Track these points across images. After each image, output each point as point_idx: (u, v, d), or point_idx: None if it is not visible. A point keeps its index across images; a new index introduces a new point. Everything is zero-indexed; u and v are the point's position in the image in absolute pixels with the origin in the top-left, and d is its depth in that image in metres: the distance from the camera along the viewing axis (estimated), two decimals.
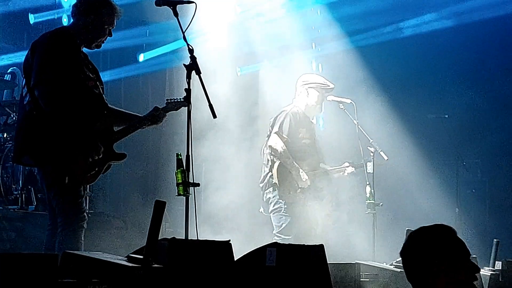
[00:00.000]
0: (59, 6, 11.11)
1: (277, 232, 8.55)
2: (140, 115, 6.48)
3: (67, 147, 5.74)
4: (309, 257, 5.51)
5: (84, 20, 5.97)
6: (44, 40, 5.92)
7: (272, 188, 8.58)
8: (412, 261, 3.90)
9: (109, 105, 6.32)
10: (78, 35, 5.97)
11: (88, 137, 5.83)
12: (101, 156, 5.92)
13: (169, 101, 6.40)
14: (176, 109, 6.42)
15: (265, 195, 8.65)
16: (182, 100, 6.25)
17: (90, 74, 6.03)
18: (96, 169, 5.92)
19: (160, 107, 6.45)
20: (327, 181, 8.78)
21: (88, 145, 5.83)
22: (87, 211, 9.68)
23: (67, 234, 5.90)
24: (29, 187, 9.06)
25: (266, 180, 8.64)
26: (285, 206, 8.55)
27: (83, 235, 6.04)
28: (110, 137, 6.06)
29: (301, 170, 8.52)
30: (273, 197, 8.58)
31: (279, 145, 8.52)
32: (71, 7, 6.16)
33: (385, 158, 8.81)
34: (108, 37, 6.14)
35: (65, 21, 11.08)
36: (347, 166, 8.82)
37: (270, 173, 8.61)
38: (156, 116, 6.36)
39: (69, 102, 5.76)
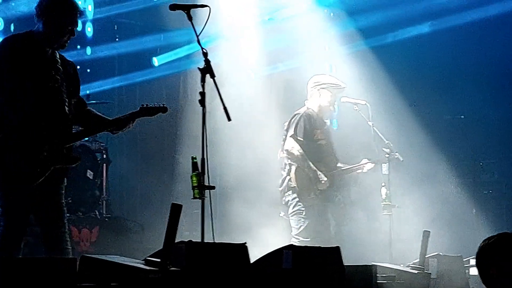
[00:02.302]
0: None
1: (295, 235, 8.57)
2: (109, 119, 6.40)
3: (4, 148, 5.72)
4: (326, 259, 5.52)
5: (42, 22, 5.92)
6: None
7: (291, 191, 8.59)
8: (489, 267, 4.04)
9: (88, 108, 6.31)
10: (40, 37, 5.92)
11: (27, 136, 5.75)
12: (44, 155, 5.83)
13: (143, 106, 6.28)
14: (151, 115, 6.32)
15: (284, 198, 8.66)
16: (158, 105, 6.27)
17: (56, 76, 5.99)
18: (38, 170, 5.80)
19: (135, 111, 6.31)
20: (344, 182, 8.78)
21: (28, 145, 5.75)
22: (104, 215, 9.82)
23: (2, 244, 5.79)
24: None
25: (285, 184, 8.65)
26: (304, 208, 8.55)
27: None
28: (61, 139, 5.91)
29: (319, 172, 8.53)
30: (292, 199, 8.59)
31: (295, 148, 8.52)
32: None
33: (401, 159, 8.80)
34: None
35: (89, 31, 11.16)
36: (366, 163, 8.78)
37: (288, 177, 8.61)
38: (121, 120, 6.20)
39: (6, 104, 5.73)
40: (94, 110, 6.44)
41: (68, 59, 6.25)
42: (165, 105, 6.35)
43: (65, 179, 6.13)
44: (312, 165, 8.51)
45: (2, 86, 5.76)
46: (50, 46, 5.97)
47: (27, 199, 5.83)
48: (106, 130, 6.42)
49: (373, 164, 8.73)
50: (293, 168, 8.56)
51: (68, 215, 9.22)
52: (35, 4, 5.99)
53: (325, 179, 8.51)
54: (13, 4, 11.04)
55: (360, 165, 8.80)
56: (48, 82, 5.90)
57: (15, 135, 5.72)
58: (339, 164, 8.81)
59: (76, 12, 5.99)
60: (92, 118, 6.31)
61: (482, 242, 4.17)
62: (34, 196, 5.85)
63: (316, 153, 8.62)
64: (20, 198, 5.80)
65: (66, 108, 5.98)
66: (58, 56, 6.06)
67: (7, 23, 10.85)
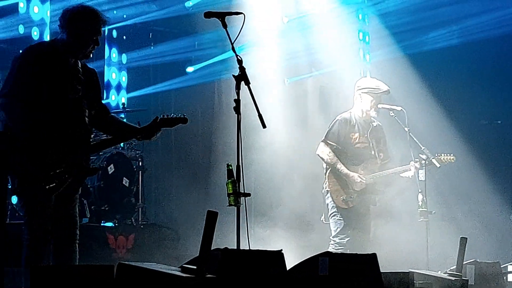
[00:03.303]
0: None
1: (332, 237, 8.64)
2: (136, 127, 6.40)
3: (25, 158, 5.74)
4: (362, 266, 5.48)
5: (67, 32, 5.93)
6: (19, 54, 6.00)
7: (329, 194, 8.66)
8: None
9: (111, 114, 6.34)
10: (64, 47, 5.95)
11: (47, 148, 5.76)
12: (62, 169, 5.85)
13: (163, 117, 6.22)
14: (171, 126, 6.26)
15: (325, 201, 8.75)
16: (179, 116, 6.20)
17: (78, 86, 6.00)
18: (57, 181, 5.80)
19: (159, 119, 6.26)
20: (385, 185, 8.76)
21: (46, 157, 5.76)
22: (140, 222, 9.86)
23: (31, 249, 5.80)
24: (82, 199, 9.18)
25: (324, 187, 8.73)
26: (339, 211, 8.58)
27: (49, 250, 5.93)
28: (80, 151, 5.94)
29: (352, 174, 8.54)
30: (329, 202, 8.67)
31: (325, 153, 8.58)
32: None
33: (437, 165, 8.75)
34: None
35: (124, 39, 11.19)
36: (412, 165, 8.73)
37: (325, 180, 8.68)
38: (152, 129, 6.19)
39: (27, 114, 5.74)
40: (117, 117, 6.46)
41: (90, 67, 6.28)
42: (185, 116, 6.24)
43: (80, 188, 6.14)
44: (343, 168, 8.54)
45: (25, 95, 5.76)
46: (74, 56, 5.99)
47: (48, 206, 5.83)
48: (134, 138, 6.44)
49: (418, 166, 8.67)
50: (328, 171, 8.66)
51: (104, 222, 9.40)
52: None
53: (359, 180, 8.51)
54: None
55: (406, 166, 8.75)
56: (69, 93, 5.92)
57: (35, 147, 5.73)
58: (390, 164, 8.78)
59: (100, 22, 6.00)
60: (116, 126, 6.32)
61: None
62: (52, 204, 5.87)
63: (354, 156, 8.64)
64: (42, 205, 5.80)
65: (86, 119, 6.00)
66: (80, 65, 6.07)
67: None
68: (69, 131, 5.85)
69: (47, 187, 5.74)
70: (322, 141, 8.65)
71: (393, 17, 11.69)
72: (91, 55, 6.08)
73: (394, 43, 11.62)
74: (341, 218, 8.57)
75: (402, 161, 8.91)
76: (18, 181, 5.82)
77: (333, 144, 8.59)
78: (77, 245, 6.01)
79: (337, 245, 8.49)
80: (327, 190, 8.64)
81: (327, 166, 8.65)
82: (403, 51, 11.57)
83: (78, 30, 5.91)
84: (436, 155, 8.78)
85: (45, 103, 5.79)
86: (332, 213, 8.63)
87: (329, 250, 8.39)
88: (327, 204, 8.69)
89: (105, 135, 6.95)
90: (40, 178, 5.72)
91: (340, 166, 8.55)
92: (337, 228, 8.58)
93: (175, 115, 6.24)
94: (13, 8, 10.60)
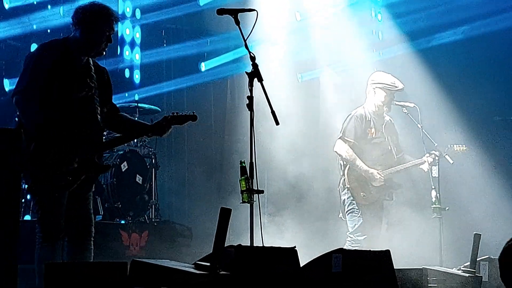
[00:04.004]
0: None
1: (349, 233, 8.65)
2: (147, 124, 6.45)
3: (37, 156, 5.75)
4: (376, 262, 5.48)
5: (80, 30, 5.96)
6: (31, 52, 6.03)
7: (346, 190, 8.67)
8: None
9: (120, 113, 6.38)
10: (76, 45, 5.98)
11: (59, 146, 5.80)
12: (75, 166, 5.88)
13: (173, 114, 6.27)
14: (181, 123, 6.29)
15: (341, 197, 8.74)
16: (188, 114, 6.24)
17: (90, 84, 6.01)
18: (70, 178, 5.85)
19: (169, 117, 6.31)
20: (399, 181, 8.78)
21: (58, 155, 5.80)
22: (153, 220, 9.88)
23: (43, 247, 5.84)
24: (96, 197, 9.20)
25: (341, 183, 8.74)
26: (357, 207, 8.58)
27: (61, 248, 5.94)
28: (92, 149, 5.98)
29: (371, 170, 8.55)
30: (347, 198, 8.66)
31: (343, 149, 8.58)
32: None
33: (451, 161, 8.75)
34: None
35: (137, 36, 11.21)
36: (426, 158, 8.72)
37: (343, 177, 8.68)
38: (162, 126, 6.23)
39: (40, 111, 5.77)
40: (126, 115, 6.49)
41: (102, 65, 6.32)
42: (195, 113, 6.28)
43: (93, 185, 6.17)
44: (363, 164, 8.54)
45: (38, 93, 5.80)
46: (87, 54, 6.03)
47: (60, 204, 5.87)
48: (144, 136, 6.46)
49: (432, 159, 8.66)
50: (347, 167, 8.65)
51: (117, 219, 9.42)
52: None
53: (378, 176, 8.54)
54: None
55: (421, 160, 8.74)
56: (81, 91, 5.95)
57: (47, 144, 5.76)
58: (407, 157, 8.77)
59: (112, 19, 6.03)
60: (125, 124, 6.36)
61: (506, 243, 4.10)
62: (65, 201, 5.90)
63: (372, 151, 8.64)
64: (54, 203, 5.84)
65: (99, 116, 6.03)
66: (92, 63, 6.11)
67: None
68: (80, 129, 5.88)
69: (58, 184, 5.77)
70: (339, 138, 8.65)
71: (405, 12, 11.64)
72: (104, 52, 6.10)
73: (406, 39, 11.58)
74: (360, 215, 8.58)
75: (415, 157, 8.89)
76: (31, 179, 5.85)
77: (351, 140, 8.59)
78: (92, 242, 6.04)
79: (353, 242, 8.51)
80: (347, 187, 8.63)
81: (345, 163, 8.64)
82: (415, 47, 11.53)
83: (90, 28, 5.94)
84: (449, 146, 8.79)
85: (56, 100, 5.82)
86: (350, 210, 8.63)
87: (345, 246, 8.40)
88: (343, 200, 8.69)
89: (116, 134, 6.98)
90: (51, 176, 5.74)
91: (359, 162, 8.55)
92: (355, 225, 8.58)
93: (185, 113, 6.26)
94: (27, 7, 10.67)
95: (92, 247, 6.03)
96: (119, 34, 11.45)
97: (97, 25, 5.95)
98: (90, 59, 6.11)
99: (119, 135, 6.55)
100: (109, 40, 6.02)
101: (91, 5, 6.03)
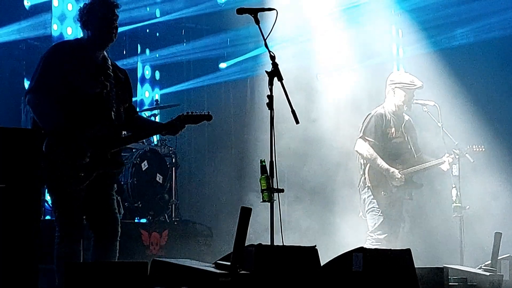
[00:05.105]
0: None
1: (369, 232, 8.64)
2: (161, 123, 6.49)
3: (48, 152, 5.78)
4: (397, 261, 5.47)
5: (88, 27, 6.02)
6: (45, 52, 6.09)
7: (367, 188, 8.66)
8: None
9: (137, 115, 6.44)
10: (89, 42, 6.02)
11: (72, 142, 5.81)
12: (87, 161, 5.90)
13: (188, 114, 6.23)
14: (195, 123, 6.25)
15: (361, 196, 8.74)
16: (203, 113, 6.21)
17: (105, 82, 6.05)
18: (82, 174, 5.87)
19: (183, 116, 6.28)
20: (419, 180, 8.76)
21: (72, 150, 5.82)
22: (173, 219, 9.91)
23: (62, 246, 5.86)
24: (116, 196, 9.22)
25: (361, 182, 8.74)
26: (378, 206, 8.57)
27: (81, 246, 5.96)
28: (105, 144, 5.98)
29: (392, 170, 8.54)
30: (367, 197, 8.65)
31: (364, 148, 8.58)
32: None
33: (471, 160, 8.73)
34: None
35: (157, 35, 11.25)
36: (446, 158, 8.71)
37: (363, 176, 8.67)
38: (175, 125, 6.20)
39: (51, 109, 5.81)
40: (143, 117, 6.55)
41: (121, 67, 6.37)
42: (209, 113, 6.24)
43: (115, 184, 6.21)
44: (383, 163, 8.54)
45: (50, 90, 5.85)
46: (103, 47, 6.08)
47: (76, 202, 5.89)
48: (158, 134, 6.49)
49: (451, 159, 8.65)
50: (367, 167, 8.64)
51: (137, 219, 9.45)
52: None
53: (399, 176, 8.52)
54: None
55: (441, 159, 8.72)
56: (96, 88, 5.99)
57: (60, 140, 5.80)
58: (424, 156, 8.76)
59: (113, 5, 6.06)
60: (139, 122, 6.40)
61: None
62: (82, 198, 5.91)
63: (392, 150, 8.65)
64: (69, 201, 5.87)
65: (113, 114, 6.04)
66: (110, 63, 6.16)
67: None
68: (93, 125, 5.91)
69: (71, 180, 5.80)
70: (359, 138, 8.66)
71: (424, 11, 11.60)
72: (115, 38, 6.08)
73: (425, 37, 11.54)
74: (380, 214, 8.56)
75: (435, 157, 8.87)
76: (48, 180, 5.89)
77: (371, 140, 8.59)
78: (118, 243, 6.07)
79: (374, 240, 8.49)
80: (367, 186, 8.62)
81: (366, 162, 8.64)
82: (435, 46, 11.49)
83: (94, 21, 6.00)
84: (468, 146, 8.77)
85: (70, 97, 5.87)
86: (370, 208, 8.62)
87: (365, 245, 8.39)
88: (364, 199, 8.68)
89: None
90: (63, 171, 5.78)
91: (380, 161, 8.55)
92: (375, 223, 8.57)
93: (199, 112, 6.25)
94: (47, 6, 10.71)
95: (118, 248, 6.06)
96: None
97: (101, 15, 5.98)
98: (109, 59, 6.15)
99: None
100: (115, 26, 6.04)
101: (89, 1, 6.11)
